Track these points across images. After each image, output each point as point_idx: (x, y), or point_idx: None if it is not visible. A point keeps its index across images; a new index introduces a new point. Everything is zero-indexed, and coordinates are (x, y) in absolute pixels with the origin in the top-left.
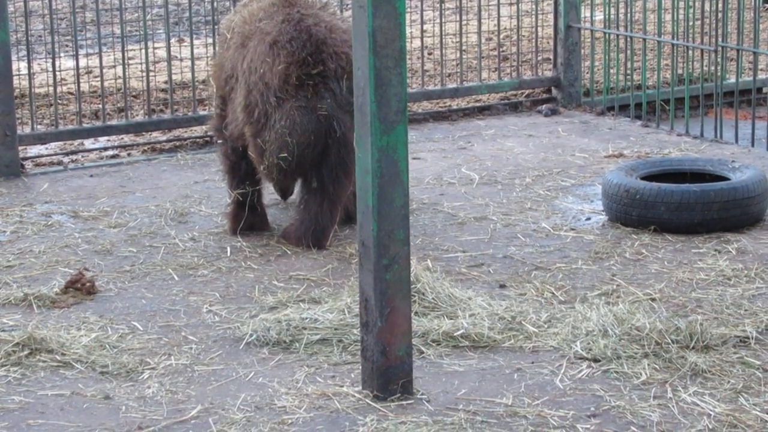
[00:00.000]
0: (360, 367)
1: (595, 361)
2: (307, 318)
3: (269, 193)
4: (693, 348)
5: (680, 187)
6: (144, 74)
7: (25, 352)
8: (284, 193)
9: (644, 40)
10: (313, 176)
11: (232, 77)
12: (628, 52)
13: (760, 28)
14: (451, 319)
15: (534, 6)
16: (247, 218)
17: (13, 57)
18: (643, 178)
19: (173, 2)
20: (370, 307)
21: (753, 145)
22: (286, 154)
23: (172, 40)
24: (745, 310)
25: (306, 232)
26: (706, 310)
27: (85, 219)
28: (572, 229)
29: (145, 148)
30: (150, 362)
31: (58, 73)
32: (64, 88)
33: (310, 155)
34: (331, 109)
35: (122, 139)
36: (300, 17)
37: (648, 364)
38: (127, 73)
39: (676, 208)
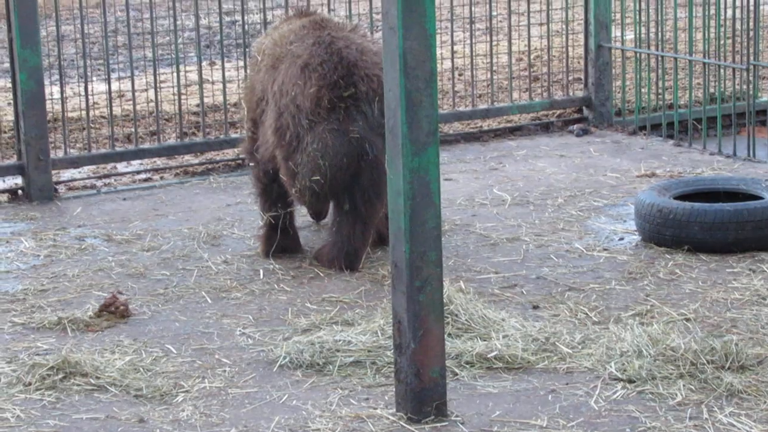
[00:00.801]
0: (394, 389)
1: (630, 382)
2: (340, 340)
3: (301, 215)
4: (728, 368)
5: (714, 207)
6: (176, 97)
7: (60, 376)
8: (317, 215)
9: (675, 59)
10: (345, 199)
11: (263, 100)
12: (660, 71)
13: None
14: (485, 340)
15: (564, 26)
16: (280, 240)
17: (46, 81)
18: (676, 198)
19: (204, 25)
20: (403, 328)
21: None
22: (318, 177)
23: (204, 63)
24: None
25: (339, 254)
26: (741, 330)
27: (118, 242)
28: (605, 250)
29: (178, 171)
30: (184, 385)
31: (90, 97)
32: (97, 112)
33: (342, 178)
34: (363, 131)
35: (155, 162)
36: (331, 40)
37: (683, 385)
38: (159, 97)
39: (709, 227)
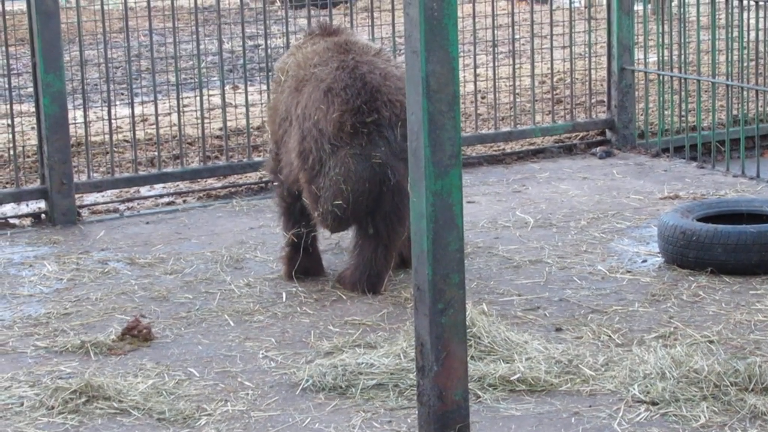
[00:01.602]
0: (416, 412)
1: (654, 404)
2: (363, 363)
3: (324, 238)
4: (752, 390)
5: (737, 229)
6: (199, 121)
7: (83, 400)
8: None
9: (698, 81)
10: (368, 223)
11: (286, 120)
12: (683, 93)
13: None
14: (508, 363)
15: (587, 49)
16: (302, 262)
17: (70, 106)
18: (700, 220)
19: (227, 50)
20: (425, 351)
21: None
22: (340, 202)
23: (227, 87)
24: None
25: (361, 278)
26: (765, 352)
27: (141, 266)
28: (628, 272)
29: (201, 194)
30: (207, 408)
31: (113, 121)
32: (120, 136)
33: (364, 203)
34: (386, 157)
35: (178, 186)
36: (355, 64)
37: (707, 407)
38: (182, 121)
39: (733, 249)
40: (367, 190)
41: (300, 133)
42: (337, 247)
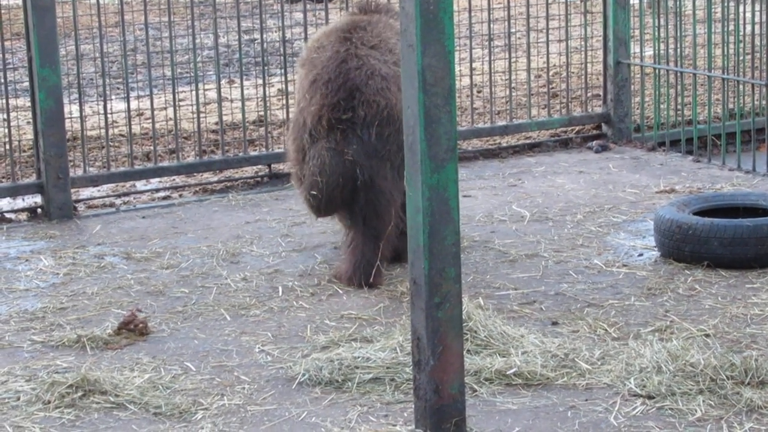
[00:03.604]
0: (413, 406)
1: (650, 398)
2: (359, 357)
3: (319, 231)
4: (748, 384)
5: (733, 222)
6: (195, 116)
7: (79, 394)
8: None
9: (694, 75)
10: (348, 216)
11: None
12: (679, 87)
13: None
14: (504, 356)
15: (583, 42)
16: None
17: (65, 100)
18: (696, 214)
19: (223, 44)
20: (422, 345)
21: None
22: (316, 192)
23: (223, 82)
24: None
25: (355, 271)
26: (761, 346)
27: (137, 260)
28: (624, 266)
29: (197, 189)
30: (203, 403)
31: (109, 115)
32: (116, 131)
33: (339, 196)
34: (357, 155)
35: (174, 180)
36: (345, 57)
37: (703, 401)
38: (178, 115)
39: (729, 243)
40: (341, 185)
41: (294, 118)
42: (334, 243)
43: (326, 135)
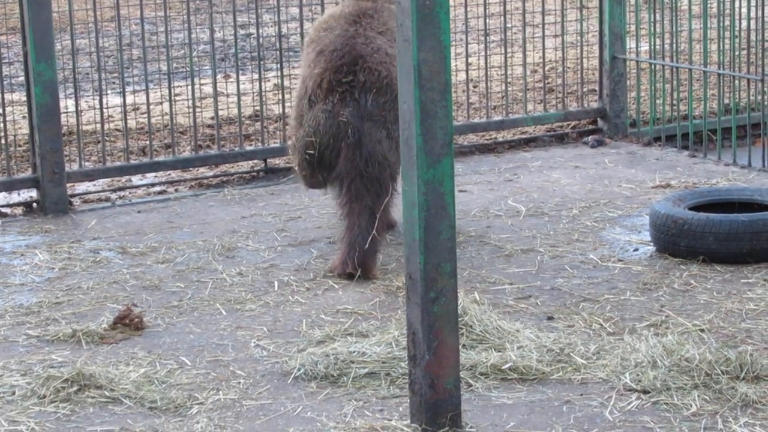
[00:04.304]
0: (408, 401)
1: (645, 392)
2: (354, 351)
3: (315, 226)
4: (743, 379)
5: (728, 217)
6: (190, 110)
7: (74, 389)
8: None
9: (690, 70)
10: (340, 186)
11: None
12: (674, 82)
13: None
14: (499, 351)
15: (579, 38)
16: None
17: (61, 95)
18: (691, 209)
19: (219, 39)
20: (417, 340)
21: None
22: (312, 152)
23: (219, 76)
24: None
25: (350, 252)
26: (756, 341)
27: (133, 255)
28: (620, 260)
29: (192, 183)
30: (198, 397)
31: (105, 110)
32: (112, 125)
33: (328, 157)
34: (351, 117)
35: (169, 175)
36: (353, 35)
37: (698, 396)
38: (173, 110)
39: (724, 238)
40: (331, 146)
41: (297, 90)
42: (330, 237)
43: (324, 98)
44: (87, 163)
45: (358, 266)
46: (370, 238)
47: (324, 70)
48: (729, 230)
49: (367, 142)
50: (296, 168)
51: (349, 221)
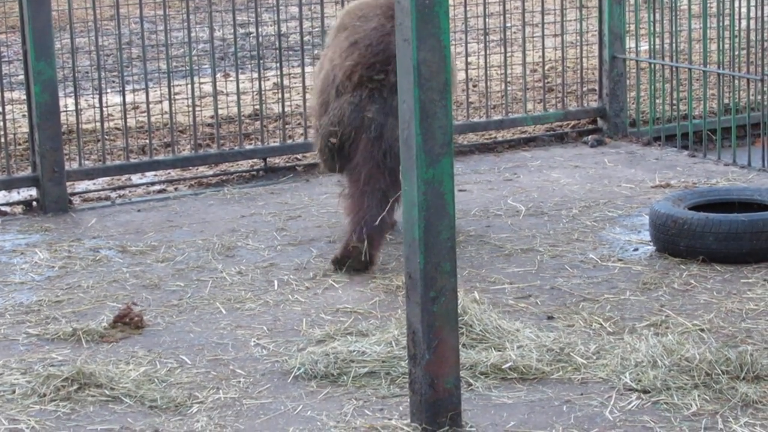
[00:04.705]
0: (408, 400)
1: (645, 392)
2: (354, 351)
3: (315, 225)
4: (743, 379)
5: (728, 217)
6: (190, 109)
7: (74, 387)
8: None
9: (690, 70)
10: (355, 174)
11: (322, 60)
12: (674, 82)
13: None
14: (499, 351)
15: (579, 37)
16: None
17: (61, 93)
18: (691, 208)
19: (219, 38)
20: (417, 339)
21: None
22: (335, 140)
23: (218, 75)
24: None
25: (355, 228)
26: (757, 341)
27: (132, 254)
28: (620, 260)
29: (192, 182)
30: (198, 396)
31: (105, 108)
32: (111, 124)
33: (348, 148)
34: (377, 114)
35: (169, 173)
36: (390, 30)
37: (698, 395)
38: (173, 108)
39: (724, 238)
40: (352, 138)
41: (324, 74)
42: (330, 238)
43: (352, 91)
44: (87, 162)
45: (365, 237)
46: (380, 217)
47: (356, 63)
48: (729, 230)
49: (388, 136)
50: (317, 152)
51: (361, 202)
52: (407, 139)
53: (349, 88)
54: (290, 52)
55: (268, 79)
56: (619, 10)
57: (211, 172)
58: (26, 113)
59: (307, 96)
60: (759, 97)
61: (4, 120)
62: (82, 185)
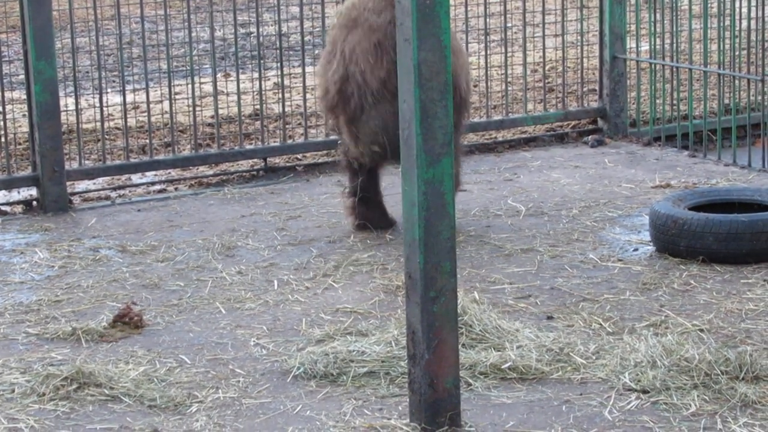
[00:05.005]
0: (408, 400)
1: (644, 392)
2: (354, 350)
3: (315, 225)
4: (743, 379)
5: (728, 217)
6: (190, 109)
7: (74, 387)
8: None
9: (690, 70)
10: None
11: (332, 52)
12: (674, 82)
13: None
14: (499, 350)
15: (579, 37)
16: (365, 212)
17: (61, 93)
18: (691, 209)
19: (219, 37)
20: (417, 339)
21: None
22: (378, 149)
23: (219, 75)
24: None
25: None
26: (756, 341)
27: (132, 253)
28: (620, 260)
29: (192, 182)
30: (198, 396)
31: (105, 108)
32: (112, 124)
33: (391, 154)
34: None
35: (169, 173)
36: None
37: (697, 396)
38: (173, 108)
39: (724, 238)
40: (396, 145)
41: (343, 71)
42: (329, 237)
43: (391, 99)
44: (87, 162)
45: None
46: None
47: (389, 72)
48: (729, 230)
49: None
50: (357, 154)
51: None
52: (408, 139)
53: (388, 97)
54: (291, 52)
55: (269, 79)
56: (619, 10)
57: (211, 172)
58: (26, 113)
59: (307, 96)
60: (759, 98)
61: (5, 119)
62: (82, 185)
